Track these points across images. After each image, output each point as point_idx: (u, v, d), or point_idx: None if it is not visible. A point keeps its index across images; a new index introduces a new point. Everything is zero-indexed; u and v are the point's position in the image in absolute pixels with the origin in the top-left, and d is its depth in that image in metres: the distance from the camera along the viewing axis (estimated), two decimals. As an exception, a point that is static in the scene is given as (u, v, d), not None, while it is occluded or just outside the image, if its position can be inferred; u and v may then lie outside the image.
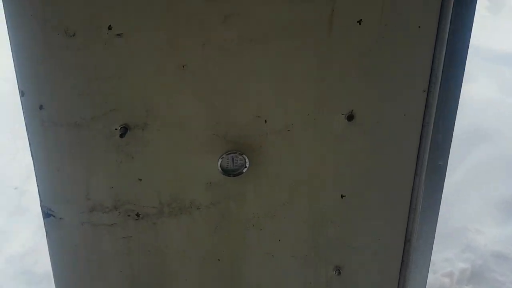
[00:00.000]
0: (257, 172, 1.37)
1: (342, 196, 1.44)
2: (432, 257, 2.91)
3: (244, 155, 1.32)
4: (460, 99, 1.37)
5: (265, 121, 1.31)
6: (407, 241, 1.54)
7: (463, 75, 1.31)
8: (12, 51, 1.16)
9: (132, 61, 1.20)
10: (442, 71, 1.29)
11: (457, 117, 1.39)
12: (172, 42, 1.19)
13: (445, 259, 2.85)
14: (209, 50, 1.21)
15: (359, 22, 1.23)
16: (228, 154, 1.31)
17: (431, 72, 1.31)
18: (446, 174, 1.48)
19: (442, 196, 1.52)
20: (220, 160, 1.31)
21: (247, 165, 1.33)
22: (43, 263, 2.60)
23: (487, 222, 3.13)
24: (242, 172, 1.34)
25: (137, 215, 1.38)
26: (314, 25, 1.22)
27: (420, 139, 1.40)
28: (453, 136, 1.42)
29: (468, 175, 3.42)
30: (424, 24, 1.25)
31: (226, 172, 1.34)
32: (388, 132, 1.37)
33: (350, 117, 1.33)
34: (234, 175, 1.34)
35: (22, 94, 1.19)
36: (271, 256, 1.50)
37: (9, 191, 3.32)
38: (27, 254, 2.85)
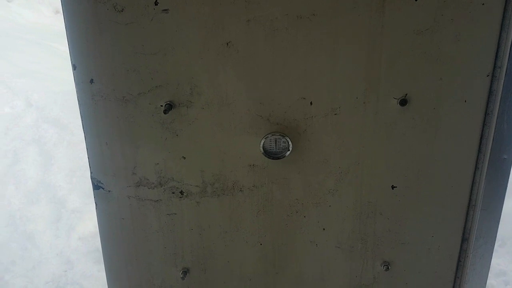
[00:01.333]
0: (302, 157, 1.33)
1: (393, 187, 1.36)
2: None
3: (287, 138, 1.28)
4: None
5: (311, 103, 1.26)
6: (464, 240, 1.41)
7: (534, 58, 1.18)
8: (65, 26, 1.21)
9: (177, 37, 1.21)
10: (509, 54, 1.17)
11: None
12: (217, 19, 1.18)
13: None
14: (254, 27, 1.19)
15: (415, -2, 1.14)
16: (271, 136, 1.28)
17: (496, 55, 1.18)
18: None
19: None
20: (262, 141, 1.29)
21: (290, 149, 1.29)
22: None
23: None
24: (285, 156, 1.30)
25: (181, 192, 1.39)
26: (367, 0, 1.15)
27: (482, 129, 1.28)
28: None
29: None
30: (489, 1, 1.13)
31: (268, 154, 1.31)
32: (446, 119, 1.26)
33: (404, 102, 1.24)
34: (277, 158, 1.31)
35: (74, 67, 1.25)
36: (314, 245, 1.45)
37: (87, 173, 3.53)
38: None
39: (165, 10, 1.17)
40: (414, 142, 1.30)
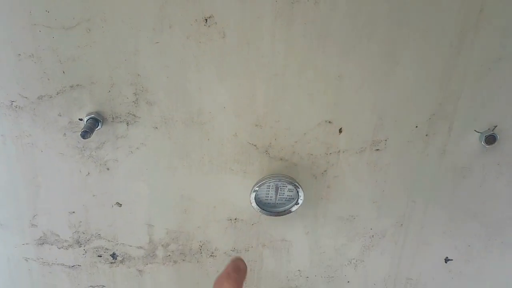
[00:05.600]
0: (314, 210, 0.82)
1: (446, 260, 0.88)
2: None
3: (296, 184, 0.76)
4: None
5: (340, 130, 0.75)
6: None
7: None
8: None
9: (110, 1, 0.65)
10: None
11: None
12: (189, -29, 0.63)
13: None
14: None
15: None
16: (269, 181, 0.76)
17: None
18: None
19: None
20: (256, 188, 0.77)
21: (300, 202, 0.78)
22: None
23: None
24: (291, 211, 0.79)
25: (113, 256, 0.86)
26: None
27: None
28: None
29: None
30: None
31: (264, 207, 0.79)
32: (548, 168, 0.79)
33: (491, 139, 0.75)
34: (277, 214, 0.79)
35: None
36: (318, 333, 0.96)
37: None
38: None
39: None
40: (493, 199, 0.82)
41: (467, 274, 0.90)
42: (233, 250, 0.86)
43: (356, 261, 0.88)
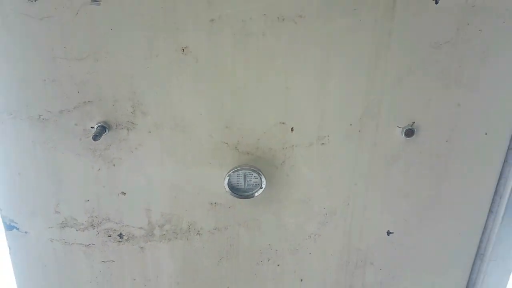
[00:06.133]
0: (278, 195, 1.04)
1: (388, 233, 1.09)
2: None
3: (260, 172, 0.98)
4: None
5: (292, 129, 0.97)
6: (470, 295, 1.17)
7: None
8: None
9: (113, 38, 0.88)
10: (550, 77, 0.91)
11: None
12: (169, 15, 0.86)
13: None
14: (219, 30, 0.87)
15: (436, 0, 0.85)
16: (239, 170, 0.98)
17: (533, 77, 0.92)
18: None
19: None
20: (228, 176, 0.99)
21: (263, 186, 1.00)
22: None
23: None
24: (255, 195, 1.01)
25: (120, 236, 1.08)
26: (373, 1, 0.86)
27: (502, 168, 1.02)
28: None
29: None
30: (533, 7, 0.86)
31: (235, 192, 1.01)
32: (460, 155, 1.00)
33: (410, 132, 0.96)
34: (246, 197, 1.01)
35: (-32, 74, 0.90)
36: (289, 298, 1.17)
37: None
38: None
39: (95, 0, 0.84)
40: (419, 181, 1.03)
41: (407, 245, 1.10)
42: (215, 229, 1.08)
43: (315, 235, 1.09)
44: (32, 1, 0.85)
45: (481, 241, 1.11)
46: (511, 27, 0.88)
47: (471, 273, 1.15)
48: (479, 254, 1.13)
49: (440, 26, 0.87)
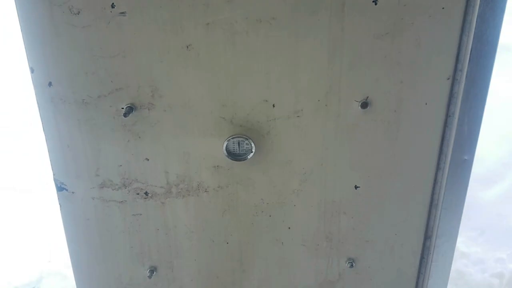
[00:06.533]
0: (266, 158, 1.33)
1: (356, 187, 1.37)
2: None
3: (250, 140, 1.28)
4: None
5: (273, 105, 1.26)
6: (427, 238, 1.44)
7: (493, 63, 1.18)
8: (21, 29, 1.18)
9: (135, 40, 1.19)
10: (470, 57, 1.17)
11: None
12: (176, 21, 1.16)
13: (497, 259, 2.67)
14: (213, 31, 1.17)
15: (375, 1, 1.13)
16: (234, 138, 1.28)
17: (456, 58, 1.19)
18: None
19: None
20: (225, 143, 1.28)
21: (253, 151, 1.29)
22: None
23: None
24: (247, 158, 1.30)
25: (146, 193, 1.39)
26: (326, 4, 1.14)
27: (444, 131, 1.29)
28: None
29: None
30: (449, 5, 1.13)
31: (232, 156, 1.31)
32: (407, 122, 1.27)
33: (365, 105, 1.24)
34: (240, 160, 1.31)
35: (31, 70, 1.22)
36: (280, 243, 1.46)
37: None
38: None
39: (122, 13, 1.15)
40: (376, 144, 1.30)
41: (372, 197, 1.38)
42: (218, 187, 1.38)
43: (298, 191, 1.38)
44: (76, 14, 1.16)
45: (433, 193, 1.38)
46: (435, 20, 1.15)
47: (428, 220, 1.42)
48: (433, 204, 1.40)
49: (380, 21, 1.15)
